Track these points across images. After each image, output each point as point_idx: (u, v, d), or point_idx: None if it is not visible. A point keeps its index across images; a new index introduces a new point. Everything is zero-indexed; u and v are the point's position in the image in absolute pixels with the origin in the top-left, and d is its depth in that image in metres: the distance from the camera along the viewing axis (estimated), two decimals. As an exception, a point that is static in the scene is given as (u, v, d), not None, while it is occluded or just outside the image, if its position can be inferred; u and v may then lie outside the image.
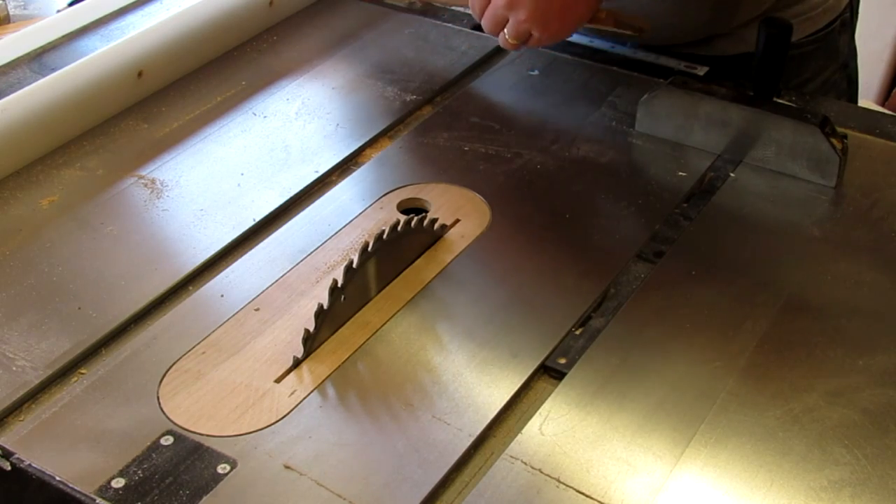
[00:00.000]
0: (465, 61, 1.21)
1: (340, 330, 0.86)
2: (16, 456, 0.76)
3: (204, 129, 1.12)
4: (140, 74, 1.16)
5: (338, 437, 0.77)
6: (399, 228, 0.89)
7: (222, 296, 0.90)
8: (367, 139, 1.10)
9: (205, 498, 0.72)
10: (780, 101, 1.03)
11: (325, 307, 0.83)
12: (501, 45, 1.09)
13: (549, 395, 0.80)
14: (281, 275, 0.92)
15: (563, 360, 0.83)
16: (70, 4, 1.74)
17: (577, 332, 0.86)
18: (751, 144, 1.04)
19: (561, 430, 0.77)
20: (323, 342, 0.85)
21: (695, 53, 1.20)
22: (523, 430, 0.77)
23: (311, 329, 0.83)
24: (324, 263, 0.93)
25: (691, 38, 1.21)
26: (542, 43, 1.08)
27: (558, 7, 1.03)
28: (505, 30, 1.06)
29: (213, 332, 0.86)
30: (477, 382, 0.81)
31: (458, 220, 0.98)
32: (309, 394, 0.80)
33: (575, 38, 1.27)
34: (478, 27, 1.29)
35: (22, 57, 1.22)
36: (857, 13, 1.30)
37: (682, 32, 1.20)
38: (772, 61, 1.01)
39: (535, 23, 1.04)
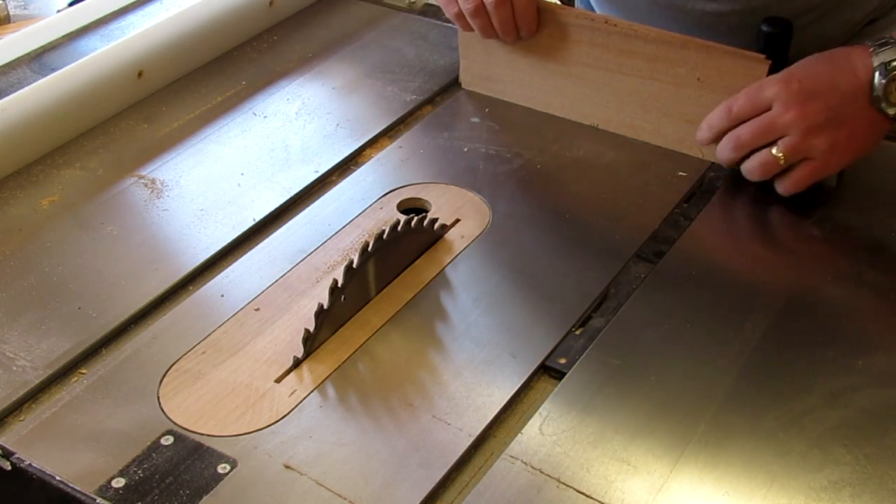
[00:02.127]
0: (465, 61, 1.21)
1: (340, 330, 0.86)
2: (16, 456, 0.76)
3: (204, 129, 1.12)
4: (140, 74, 1.16)
5: (338, 437, 0.77)
6: (399, 228, 0.89)
7: (222, 296, 0.90)
8: (367, 139, 1.10)
9: (205, 498, 0.72)
10: None
11: (325, 307, 0.83)
12: (748, 171, 0.98)
13: (549, 395, 0.80)
14: (281, 275, 0.92)
15: (563, 360, 0.83)
16: (70, 4, 1.74)
17: (577, 332, 0.86)
18: None
19: (561, 430, 0.77)
20: (323, 342, 0.85)
21: None
22: (523, 430, 0.77)
23: (311, 329, 0.83)
24: (324, 263, 0.93)
25: None
26: (815, 173, 0.95)
27: (848, 131, 0.93)
28: (776, 147, 0.94)
29: (213, 332, 0.86)
30: (477, 382, 0.81)
31: (458, 220, 0.98)
32: (309, 394, 0.80)
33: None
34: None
35: (22, 57, 1.22)
36: None
37: None
38: (773, 60, 1.01)
39: (822, 142, 0.93)
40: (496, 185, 1.03)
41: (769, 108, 0.95)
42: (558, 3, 1.18)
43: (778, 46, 1.04)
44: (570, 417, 0.78)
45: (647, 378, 0.82)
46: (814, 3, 1.13)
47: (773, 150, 0.95)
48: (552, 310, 0.88)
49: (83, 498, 0.72)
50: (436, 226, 0.95)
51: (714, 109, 0.99)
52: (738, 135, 0.97)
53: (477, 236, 0.96)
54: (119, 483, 0.73)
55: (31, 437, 0.77)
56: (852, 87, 0.93)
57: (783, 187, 0.97)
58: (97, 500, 0.72)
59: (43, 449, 0.76)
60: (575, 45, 1.08)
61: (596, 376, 0.82)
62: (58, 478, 0.74)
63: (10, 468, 0.76)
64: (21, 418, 0.79)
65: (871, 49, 0.92)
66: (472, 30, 1.11)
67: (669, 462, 0.75)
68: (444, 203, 1.00)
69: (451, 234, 0.96)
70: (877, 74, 0.92)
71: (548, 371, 0.83)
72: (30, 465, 0.75)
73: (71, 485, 0.73)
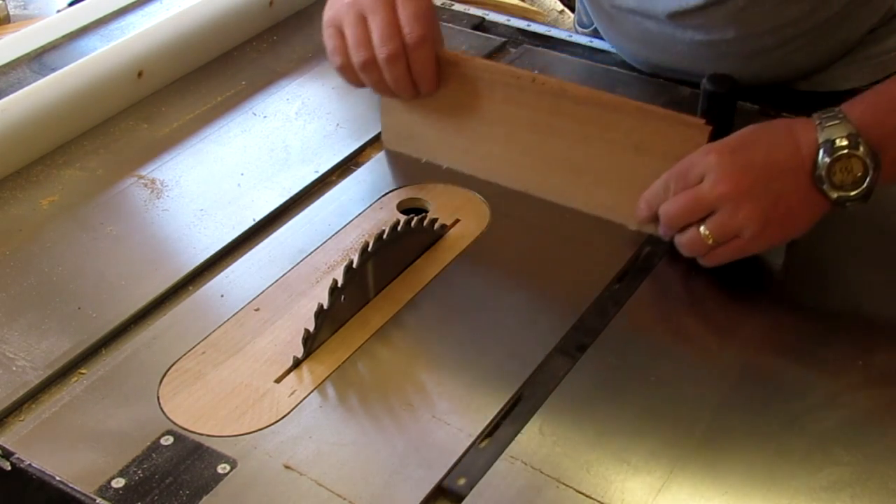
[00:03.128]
0: (465, 61, 1.21)
1: (340, 330, 0.86)
2: (16, 456, 0.76)
3: (204, 129, 1.12)
4: (140, 74, 1.16)
5: (338, 437, 0.77)
6: (399, 228, 0.89)
7: (222, 296, 0.90)
8: (367, 139, 1.10)
9: (205, 498, 0.72)
10: None
11: (325, 307, 0.83)
12: (678, 245, 0.90)
13: (549, 395, 0.80)
14: (281, 275, 0.92)
15: (461, 481, 0.74)
16: (70, 4, 1.74)
17: (482, 446, 0.77)
18: None
19: (561, 429, 0.77)
20: (323, 342, 0.85)
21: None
22: (523, 430, 0.77)
23: (311, 329, 0.83)
24: (324, 263, 0.93)
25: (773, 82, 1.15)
26: (741, 251, 0.87)
27: (783, 211, 0.85)
28: (704, 225, 0.87)
29: (213, 332, 0.86)
30: (477, 382, 0.81)
31: (458, 220, 0.98)
32: (309, 394, 0.80)
33: (575, 37, 1.27)
34: (477, 27, 1.29)
35: (22, 57, 1.22)
36: None
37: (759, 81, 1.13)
38: (717, 120, 0.93)
39: (752, 221, 0.85)
40: (496, 186, 1.03)
41: (701, 181, 0.87)
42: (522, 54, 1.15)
43: (722, 106, 0.97)
44: (570, 417, 0.78)
45: (648, 378, 0.82)
46: (804, 29, 1.09)
47: (702, 229, 0.87)
48: (552, 309, 0.88)
49: (83, 498, 0.72)
50: (436, 226, 0.95)
51: (653, 184, 0.91)
52: (667, 210, 0.89)
53: (477, 236, 0.96)
54: (119, 483, 0.73)
55: (31, 437, 0.77)
56: (792, 164, 0.85)
57: (702, 260, 0.89)
58: (97, 500, 0.72)
59: (43, 449, 0.76)
60: (501, 104, 0.99)
61: (596, 376, 0.82)
62: (58, 478, 0.74)
63: (10, 468, 0.75)
64: (21, 418, 0.79)
65: (818, 123, 0.85)
66: (362, 85, 1.02)
67: (669, 462, 0.75)
68: (444, 203, 1.00)
69: (450, 234, 0.96)
70: (821, 152, 0.84)
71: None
72: (30, 465, 0.75)
73: (71, 485, 0.73)
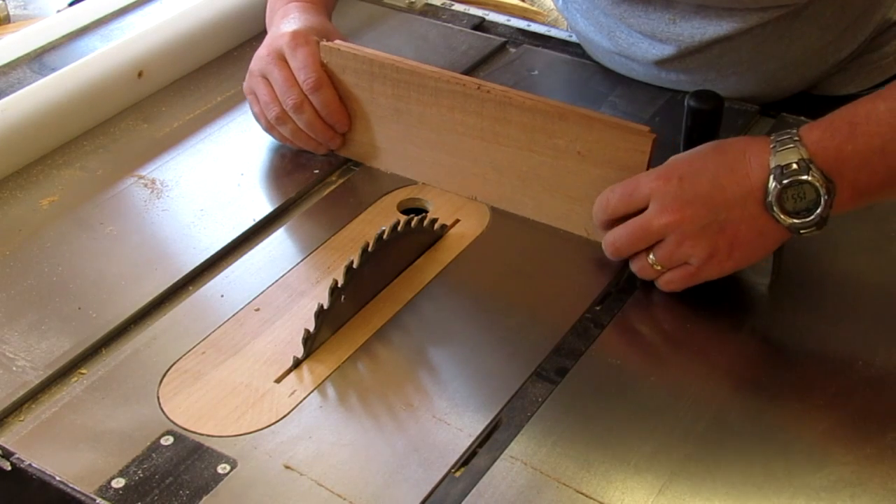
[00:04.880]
0: (465, 61, 1.21)
1: (340, 330, 0.86)
2: (16, 456, 0.76)
3: (204, 129, 1.12)
4: (140, 74, 1.16)
5: (338, 437, 0.77)
6: (399, 228, 0.89)
7: (222, 296, 0.90)
8: (367, 139, 1.10)
9: (205, 498, 0.72)
10: None
11: (325, 307, 0.83)
12: (634, 271, 0.89)
13: (549, 394, 0.80)
14: (281, 275, 0.92)
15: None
16: (70, 4, 1.74)
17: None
18: None
19: (561, 429, 0.77)
20: (323, 342, 0.85)
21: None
22: (523, 430, 0.77)
23: (311, 329, 0.83)
24: (324, 263, 0.93)
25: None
26: (692, 278, 0.86)
27: (730, 241, 0.84)
28: (652, 253, 0.86)
29: (213, 332, 0.86)
30: (477, 382, 0.81)
31: (457, 221, 0.98)
32: (309, 394, 0.80)
33: (574, 37, 1.27)
34: (477, 27, 1.29)
35: (22, 57, 1.22)
36: None
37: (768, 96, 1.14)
38: (702, 136, 0.91)
39: (698, 250, 0.84)
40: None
41: (646, 206, 0.85)
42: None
43: (706, 123, 0.93)
44: (570, 417, 0.78)
45: (648, 378, 0.82)
46: (787, 62, 1.09)
47: (650, 257, 0.86)
48: (552, 307, 0.88)
49: (83, 498, 0.72)
50: (436, 226, 0.95)
51: (597, 198, 0.89)
52: (615, 241, 0.88)
53: (477, 236, 0.96)
54: (119, 483, 0.73)
55: (31, 438, 0.77)
56: (740, 191, 0.82)
57: (658, 285, 0.89)
58: (97, 501, 0.72)
59: (43, 449, 0.76)
60: (447, 112, 0.98)
61: (597, 376, 0.82)
62: (58, 478, 0.74)
63: (10, 468, 0.76)
64: (21, 418, 0.79)
65: (772, 146, 0.82)
66: (288, 141, 1.05)
67: (669, 462, 0.75)
68: (444, 203, 1.00)
69: (450, 234, 0.96)
70: (771, 178, 0.81)
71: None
72: (30, 465, 0.75)
73: (71, 485, 0.73)
